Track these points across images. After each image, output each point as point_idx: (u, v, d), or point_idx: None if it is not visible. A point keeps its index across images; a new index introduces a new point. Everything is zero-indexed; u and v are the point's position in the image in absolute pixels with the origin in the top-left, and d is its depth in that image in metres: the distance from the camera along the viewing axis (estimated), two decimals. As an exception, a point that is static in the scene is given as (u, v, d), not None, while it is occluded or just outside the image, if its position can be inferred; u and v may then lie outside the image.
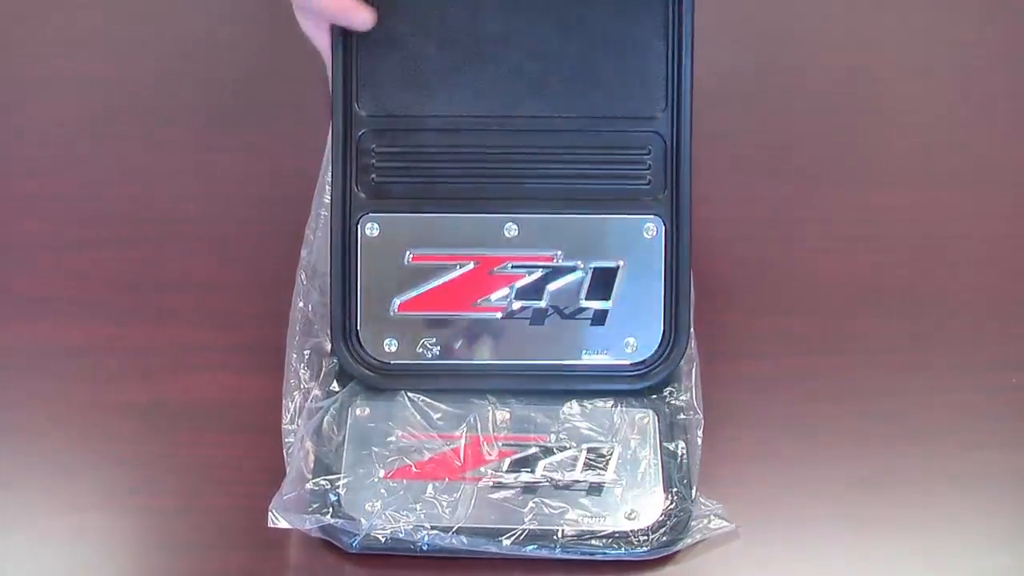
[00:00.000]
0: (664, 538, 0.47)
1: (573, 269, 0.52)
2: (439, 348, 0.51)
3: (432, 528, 0.46)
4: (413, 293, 0.51)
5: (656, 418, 0.51)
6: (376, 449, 0.49)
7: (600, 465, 0.49)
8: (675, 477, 0.49)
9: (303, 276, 0.54)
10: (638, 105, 0.52)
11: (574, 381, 0.52)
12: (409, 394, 0.51)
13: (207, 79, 0.67)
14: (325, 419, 0.49)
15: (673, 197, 0.52)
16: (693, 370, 0.52)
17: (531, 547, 0.46)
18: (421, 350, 0.51)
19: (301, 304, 0.53)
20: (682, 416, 0.51)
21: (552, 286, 0.52)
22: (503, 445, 0.49)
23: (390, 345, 0.51)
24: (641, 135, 0.52)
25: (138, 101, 0.66)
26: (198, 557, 0.48)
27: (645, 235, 0.52)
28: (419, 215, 0.52)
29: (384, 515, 0.46)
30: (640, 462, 0.49)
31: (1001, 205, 0.63)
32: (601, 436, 0.50)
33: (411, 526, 0.46)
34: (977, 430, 0.53)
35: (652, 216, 0.52)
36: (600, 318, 0.52)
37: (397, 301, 0.51)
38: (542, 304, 0.51)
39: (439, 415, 0.50)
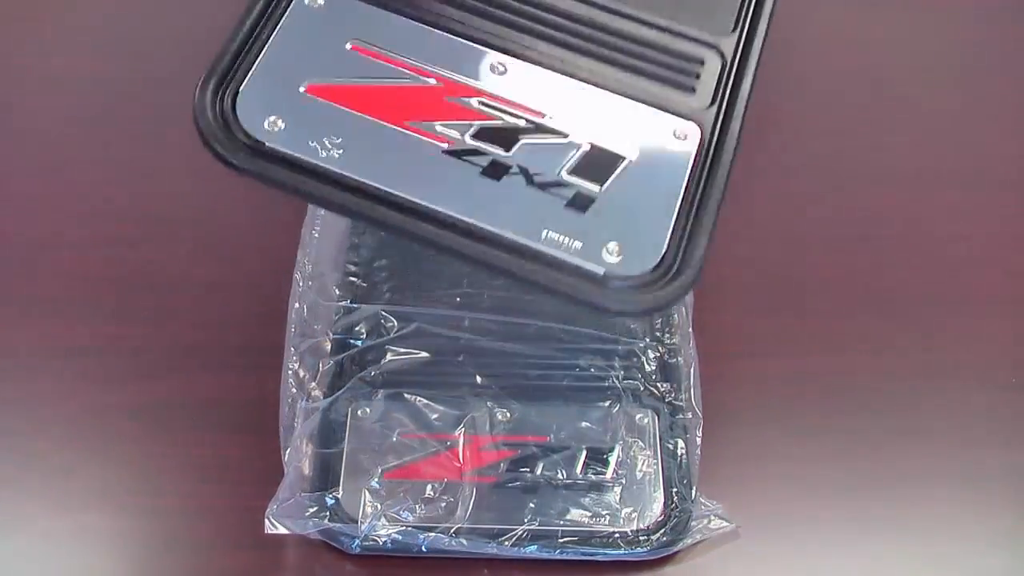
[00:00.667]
0: (664, 538, 0.47)
1: (564, 134, 0.41)
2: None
3: (432, 529, 0.46)
4: None
5: (656, 418, 0.51)
6: (375, 449, 0.49)
7: (600, 465, 0.49)
8: (675, 477, 0.49)
9: (299, 277, 0.54)
10: (706, 21, 0.45)
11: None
12: (408, 394, 0.50)
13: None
14: (324, 420, 0.49)
15: (719, 115, 0.43)
16: (693, 370, 0.52)
17: (531, 547, 0.46)
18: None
19: (297, 305, 0.53)
20: (682, 416, 0.51)
21: (531, 139, 0.40)
22: (503, 445, 0.49)
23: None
24: (698, 44, 0.44)
25: (138, 101, 0.66)
26: (198, 557, 0.48)
27: (676, 137, 0.42)
28: None
29: (384, 516, 0.46)
30: (640, 462, 0.49)
31: (1001, 205, 0.63)
32: (601, 436, 0.50)
33: (411, 527, 0.46)
34: (977, 430, 0.53)
35: (690, 123, 0.42)
36: (584, 204, 0.39)
37: None
38: (506, 157, 0.40)
39: (438, 415, 0.50)
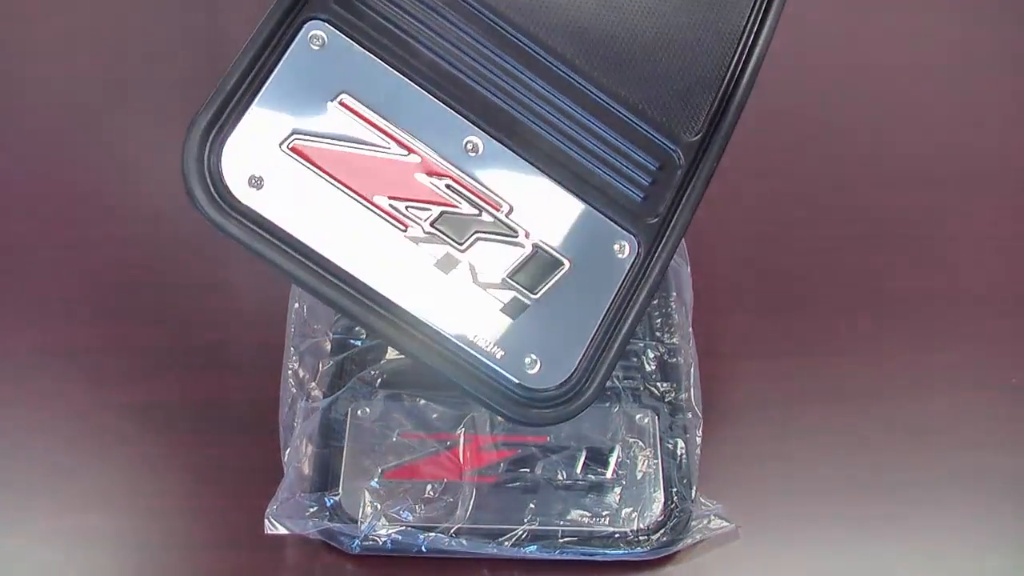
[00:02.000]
0: (664, 538, 0.47)
1: (515, 233, 0.43)
2: None
3: (432, 529, 0.46)
4: None
5: (656, 418, 0.51)
6: (375, 449, 0.49)
7: (600, 465, 0.49)
8: (675, 477, 0.49)
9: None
10: (672, 117, 0.45)
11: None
12: (408, 394, 0.50)
13: (207, 79, 0.67)
14: (324, 420, 0.49)
15: (663, 229, 0.44)
16: (693, 370, 0.52)
17: (531, 548, 0.46)
18: None
19: (297, 305, 0.52)
20: (682, 416, 0.51)
21: (484, 237, 0.42)
22: (503, 445, 0.49)
23: None
24: (660, 146, 0.44)
25: (138, 101, 0.66)
26: (198, 557, 0.48)
27: (616, 250, 0.43)
28: None
29: (384, 516, 0.46)
30: (640, 462, 0.49)
31: (1001, 205, 0.63)
32: (601, 436, 0.50)
33: (411, 527, 0.46)
34: (976, 430, 0.53)
35: (629, 235, 0.44)
36: (516, 311, 0.42)
37: None
38: (458, 252, 0.42)
39: (438, 415, 0.50)
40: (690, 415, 0.51)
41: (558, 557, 0.47)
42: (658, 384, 0.52)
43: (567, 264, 0.43)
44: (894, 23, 0.73)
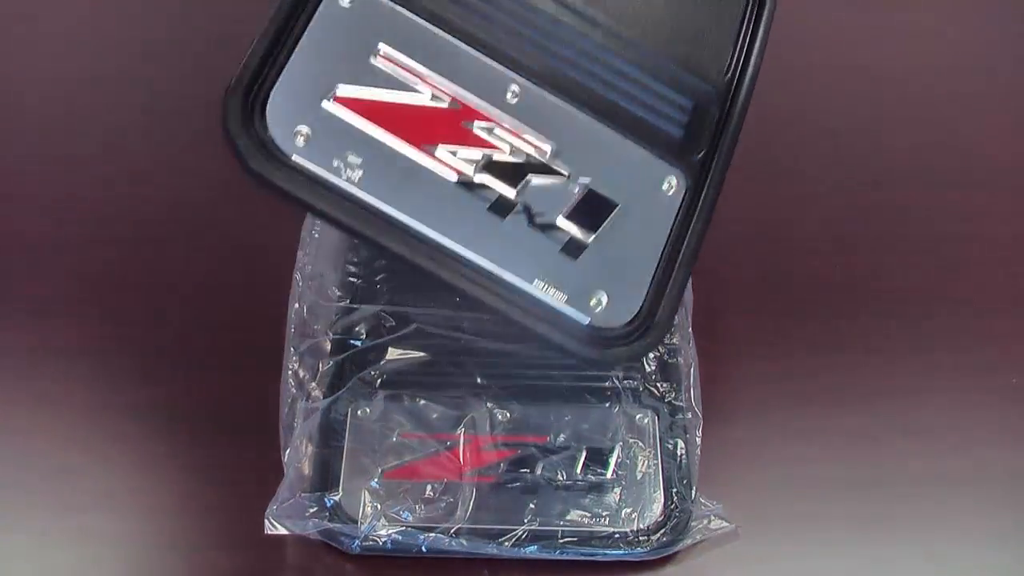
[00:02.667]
0: (664, 538, 0.47)
1: (564, 175, 0.43)
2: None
3: (432, 529, 0.46)
4: None
5: (656, 418, 0.51)
6: (375, 449, 0.49)
7: (600, 465, 0.49)
8: (675, 477, 0.49)
9: (299, 277, 0.54)
10: (702, 60, 0.46)
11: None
12: (408, 394, 0.50)
13: (207, 79, 0.67)
14: (324, 420, 0.49)
15: (707, 163, 0.45)
16: (693, 370, 0.52)
17: (531, 548, 0.46)
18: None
19: (297, 305, 0.53)
20: (682, 416, 0.51)
21: (535, 179, 0.43)
22: (503, 445, 0.49)
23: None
24: (693, 85, 0.46)
25: (137, 101, 0.66)
26: (198, 557, 0.48)
27: (664, 186, 0.44)
28: None
29: (384, 516, 0.46)
30: (640, 462, 0.49)
31: (1001, 205, 0.63)
32: (601, 436, 0.50)
33: (411, 527, 0.46)
34: (977, 430, 0.53)
35: (676, 171, 0.45)
36: (576, 251, 0.43)
37: None
38: (511, 195, 0.42)
39: (438, 415, 0.50)
40: (690, 415, 0.51)
41: (558, 557, 0.47)
42: (658, 384, 0.52)
43: (619, 204, 0.43)
44: (894, 23, 0.73)
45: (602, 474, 0.49)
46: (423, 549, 0.46)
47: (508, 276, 0.41)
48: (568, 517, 0.47)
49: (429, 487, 0.48)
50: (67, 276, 0.57)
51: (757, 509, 0.49)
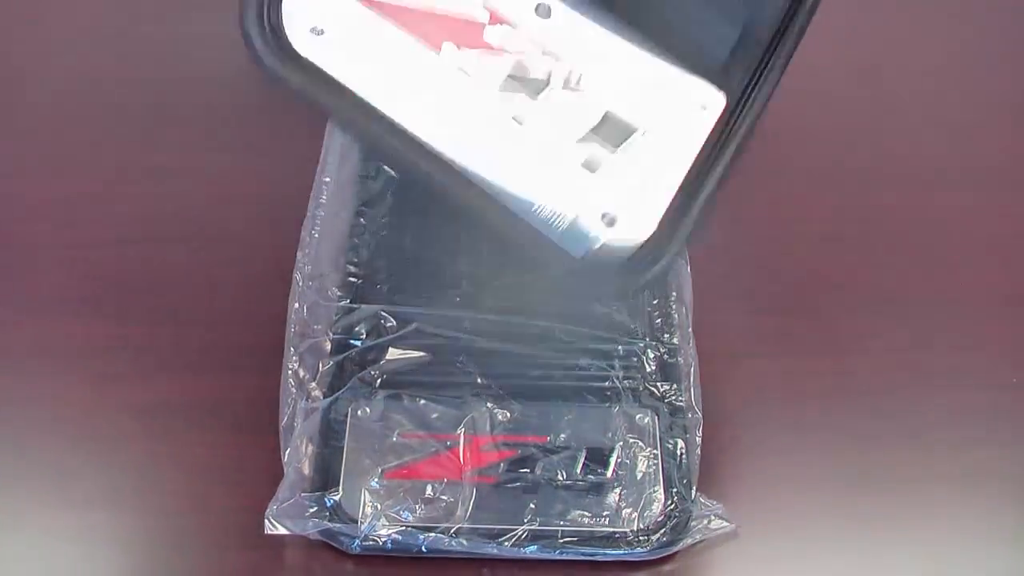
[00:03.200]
0: (664, 538, 0.47)
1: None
2: None
3: (432, 529, 0.46)
4: None
5: (656, 418, 0.51)
6: (375, 449, 0.49)
7: (600, 465, 0.49)
8: (675, 477, 0.49)
9: (299, 277, 0.54)
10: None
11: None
12: (408, 394, 0.50)
13: (207, 79, 0.67)
14: (324, 420, 0.49)
15: (752, 82, 0.43)
16: (693, 370, 0.52)
17: (531, 548, 0.46)
18: None
19: (297, 305, 0.53)
20: (682, 416, 0.51)
21: (555, 96, 0.41)
22: (503, 445, 0.49)
23: None
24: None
25: (138, 101, 0.66)
26: (198, 557, 0.48)
27: (700, 104, 0.42)
28: None
29: (384, 516, 0.46)
30: (640, 462, 0.49)
31: (1002, 205, 0.63)
32: (601, 436, 0.50)
33: (411, 527, 0.46)
34: (977, 430, 0.53)
35: (714, 89, 0.42)
36: (594, 165, 0.41)
37: None
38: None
39: (438, 415, 0.50)
40: (690, 415, 0.51)
41: (558, 557, 0.47)
42: (658, 384, 0.52)
43: (648, 120, 0.41)
44: (894, 23, 0.73)
45: (602, 474, 0.49)
46: (423, 549, 0.46)
47: (520, 193, 0.39)
48: (568, 517, 0.47)
49: (429, 487, 0.48)
50: (67, 276, 0.57)
51: (757, 509, 0.49)
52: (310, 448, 0.48)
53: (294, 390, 0.50)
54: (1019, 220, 0.62)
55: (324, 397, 0.50)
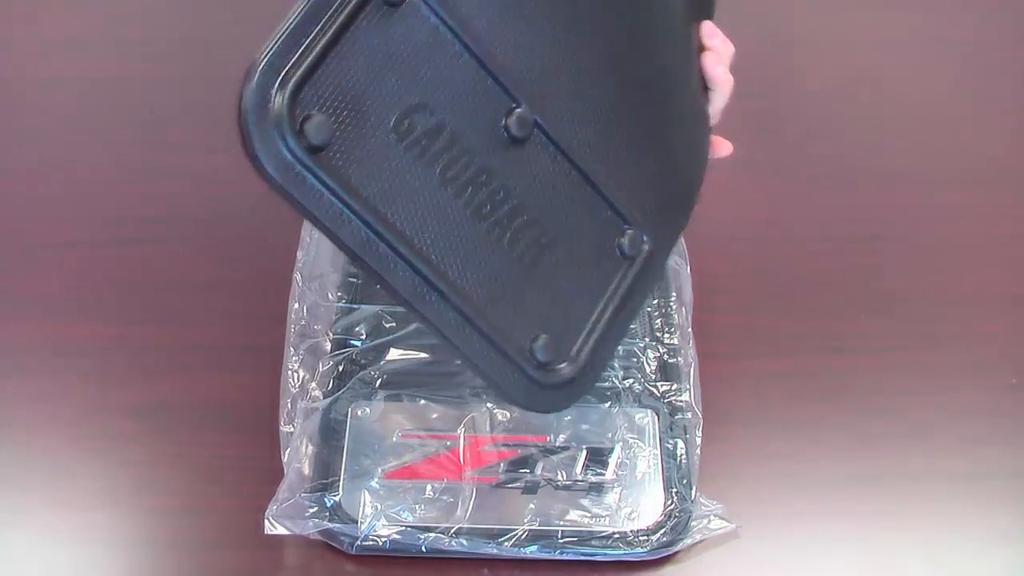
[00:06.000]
0: (664, 538, 0.47)
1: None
2: None
3: (432, 529, 0.46)
4: None
5: (656, 418, 0.51)
6: (375, 449, 0.49)
7: (600, 465, 0.49)
8: (675, 477, 0.49)
9: (299, 277, 0.54)
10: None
11: None
12: (408, 394, 0.50)
13: (207, 79, 0.67)
14: (324, 420, 0.49)
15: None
16: (693, 370, 0.52)
17: (531, 548, 0.46)
18: None
19: (297, 305, 0.53)
20: (682, 416, 0.51)
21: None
22: (503, 445, 0.49)
23: None
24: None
25: (138, 101, 0.66)
26: (199, 557, 0.48)
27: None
28: None
29: (384, 516, 0.46)
30: (640, 462, 0.49)
31: (1001, 205, 0.63)
32: (601, 436, 0.50)
33: (411, 527, 0.46)
34: (977, 429, 0.53)
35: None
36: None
37: None
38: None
39: (438, 415, 0.50)
40: (690, 415, 0.51)
41: (558, 557, 0.47)
42: (658, 384, 0.52)
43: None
44: (894, 23, 0.73)
45: (602, 474, 0.49)
46: (423, 549, 0.46)
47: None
48: (568, 517, 0.47)
49: (429, 487, 0.48)
50: (67, 276, 0.57)
51: (757, 509, 0.49)
52: (310, 448, 0.48)
53: (294, 390, 0.50)
54: (1019, 220, 0.62)
55: (324, 397, 0.50)
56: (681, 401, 0.51)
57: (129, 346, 0.55)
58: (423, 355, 0.52)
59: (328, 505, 0.47)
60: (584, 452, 0.49)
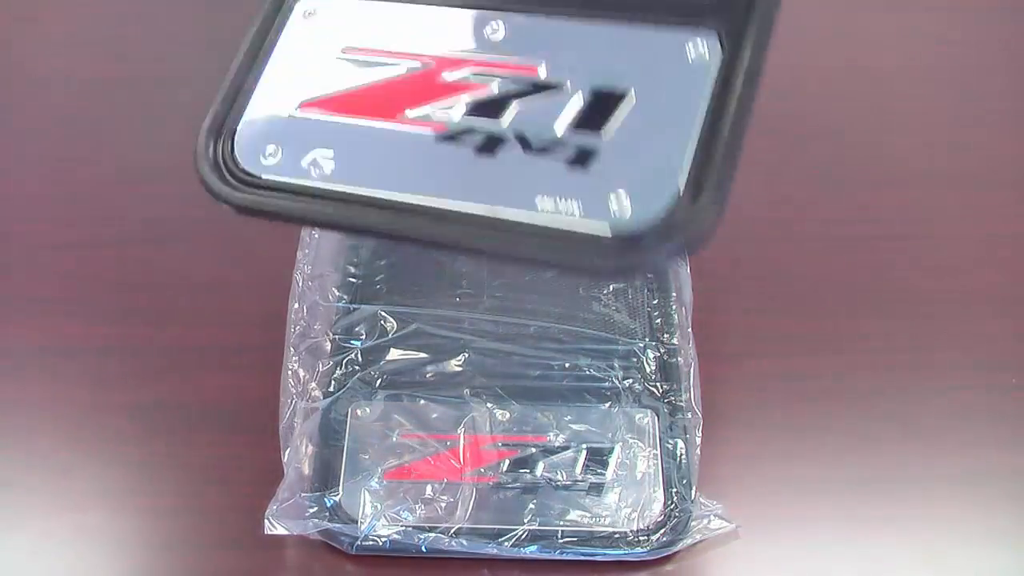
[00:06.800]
0: (664, 538, 0.47)
1: (559, 87, 0.36)
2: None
3: (432, 529, 0.46)
4: None
5: (656, 418, 0.51)
6: (375, 449, 0.49)
7: (600, 465, 0.49)
8: (675, 477, 0.49)
9: (299, 277, 0.54)
10: None
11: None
12: (408, 394, 0.50)
13: (207, 79, 0.67)
14: (324, 420, 0.49)
15: (748, 8, 0.35)
16: (693, 370, 0.52)
17: (531, 548, 0.46)
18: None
19: (297, 305, 0.53)
20: (682, 416, 0.51)
21: (524, 103, 0.36)
22: (503, 445, 0.49)
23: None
24: None
25: (138, 101, 0.66)
26: (198, 557, 0.48)
27: (690, 54, 0.36)
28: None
29: (384, 516, 0.46)
30: (640, 462, 0.49)
31: (1001, 205, 0.63)
32: (601, 436, 0.50)
33: (410, 527, 0.46)
34: (977, 430, 0.53)
35: (702, 30, 0.36)
36: (585, 158, 0.35)
37: None
38: (499, 128, 0.36)
39: (438, 415, 0.50)
40: (690, 415, 0.51)
41: (558, 557, 0.47)
42: (658, 384, 0.52)
43: (633, 92, 0.35)
44: (894, 23, 0.73)
45: (602, 474, 0.49)
46: (423, 549, 0.46)
47: (510, 213, 0.35)
48: (568, 517, 0.47)
49: (429, 487, 0.48)
50: (67, 276, 0.57)
51: (757, 509, 0.49)
52: (310, 448, 0.48)
53: (294, 390, 0.50)
54: (1019, 220, 0.62)
55: (324, 397, 0.50)
56: (681, 401, 0.51)
57: (128, 346, 0.55)
58: (423, 355, 0.52)
59: (328, 505, 0.47)
60: (584, 452, 0.49)
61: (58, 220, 0.60)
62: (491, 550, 0.46)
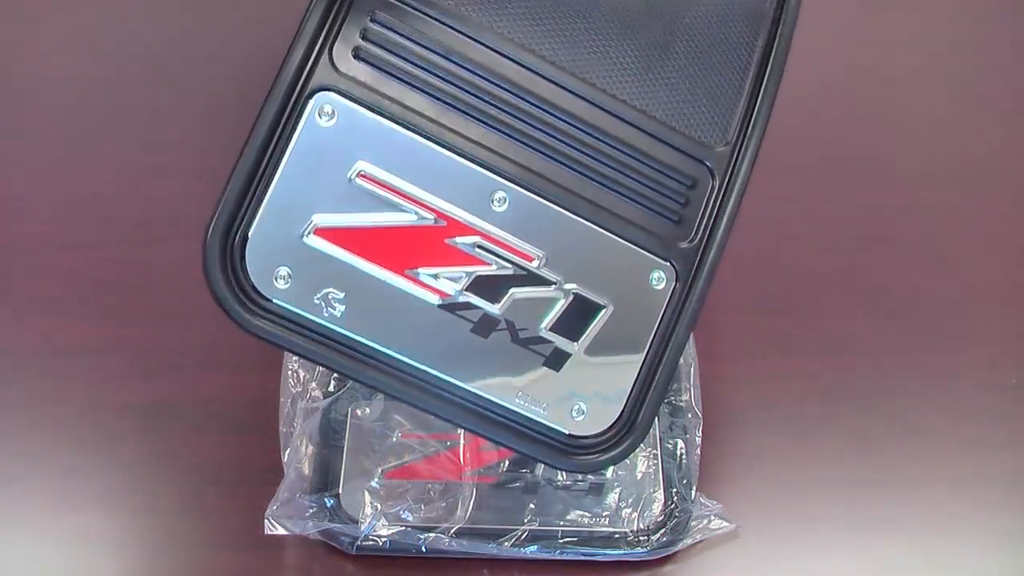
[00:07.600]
0: (664, 538, 0.47)
1: (551, 283, 0.42)
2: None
3: (432, 529, 0.46)
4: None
5: (656, 418, 0.50)
6: (375, 449, 0.49)
7: (600, 465, 0.49)
8: (675, 477, 0.49)
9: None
10: (700, 127, 0.43)
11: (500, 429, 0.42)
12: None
13: (207, 79, 0.67)
14: (324, 420, 0.49)
15: (698, 252, 0.43)
16: (693, 370, 0.52)
17: (531, 548, 0.46)
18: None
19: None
20: (682, 416, 0.51)
21: (519, 293, 0.42)
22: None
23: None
24: (690, 162, 0.43)
25: (138, 101, 0.66)
26: (198, 557, 0.48)
27: (653, 283, 0.43)
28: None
29: (384, 516, 0.46)
30: (640, 462, 0.49)
31: (1001, 205, 0.63)
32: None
33: (410, 527, 0.46)
34: (977, 430, 0.53)
35: (664, 263, 0.43)
36: (559, 362, 0.42)
37: None
38: (495, 312, 0.41)
39: (438, 415, 0.50)
40: (690, 415, 0.51)
41: (558, 557, 0.47)
42: (658, 384, 0.52)
43: (607, 307, 0.42)
44: (894, 23, 0.73)
45: (602, 474, 0.49)
46: (423, 549, 0.46)
47: (489, 396, 0.41)
48: (568, 517, 0.47)
49: (429, 487, 0.48)
50: (67, 276, 0.57)
51: (757, 509, 0.49)
52: (310, 448, 0.48)
53: (294, 390, 0.50)
54: (1018, 220, 0.62)
55: (324, 397, 0.50)
56: (681, 401, 0.51)
57: (128, 346, 0.54)
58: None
59: (328, 505, 0.47)
60: (584, 452, 0.49)
61: (58, 220, 0.60)
62: (491, 550, 0.46)
